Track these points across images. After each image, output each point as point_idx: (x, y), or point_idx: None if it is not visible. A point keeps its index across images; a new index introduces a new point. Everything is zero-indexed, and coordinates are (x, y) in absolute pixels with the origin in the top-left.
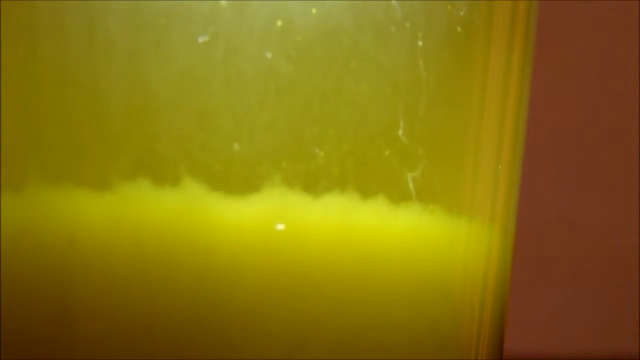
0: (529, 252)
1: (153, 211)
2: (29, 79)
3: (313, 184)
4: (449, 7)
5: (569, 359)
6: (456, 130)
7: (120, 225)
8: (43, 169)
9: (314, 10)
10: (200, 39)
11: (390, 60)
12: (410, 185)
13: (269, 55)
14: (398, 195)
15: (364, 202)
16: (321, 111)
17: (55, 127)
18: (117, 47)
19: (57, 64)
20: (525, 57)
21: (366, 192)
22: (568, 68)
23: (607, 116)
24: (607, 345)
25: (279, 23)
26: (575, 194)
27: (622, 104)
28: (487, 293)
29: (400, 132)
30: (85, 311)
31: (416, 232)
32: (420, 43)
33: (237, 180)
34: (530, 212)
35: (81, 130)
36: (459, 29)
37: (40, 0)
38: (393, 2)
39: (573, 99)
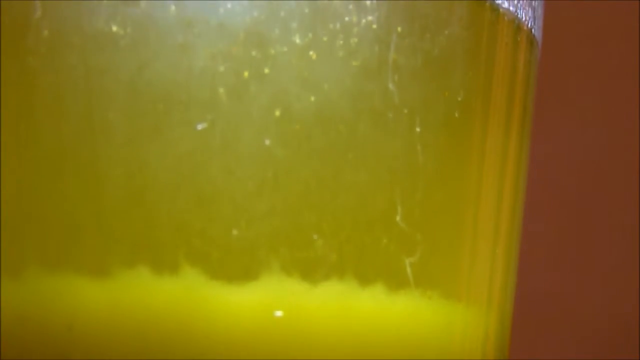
0: (526, 330)
1: (152, 298)
2: (27, 165)
3: (311, 271)
4: (446, 93)
5: None
6: (454, 215)
7: (119, 312)
8: (42, 255)
9: (312, 98)
10: (199, 126)
11: (388, 146)
12: (408, 270)
13: (267, 142)
14: (396, 282)
15: (362, 289)
16: (319, 198)
17: (54, 214)
18: (116, 133)
19: (56, 150)
20: (523, 138)
21: (364, 279)
22: (565, 144)
23: (605, 189)
24: None
25: (278, 110)
26: (574, 271)
27: (620, 180)
28: None
29: (398, 218)
30: None
31: (414, 318)
32: (418, 129)
33: (236, 267)
34: (528, 289)
35: (80, 217)
36: (456, 114)
37: (39, 85)
38: (391, 87)
39: (570, 173)
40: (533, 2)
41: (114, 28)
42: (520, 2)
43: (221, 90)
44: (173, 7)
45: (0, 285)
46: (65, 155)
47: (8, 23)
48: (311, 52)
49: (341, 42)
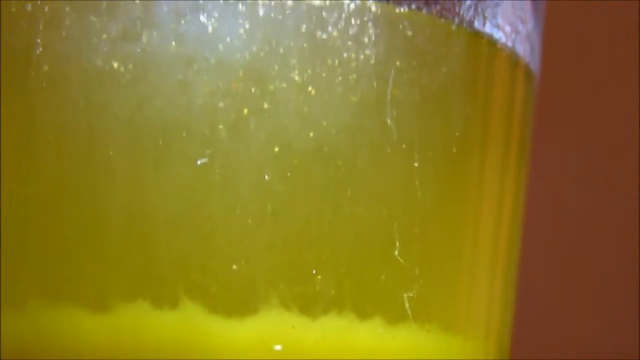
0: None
1: (152, 332)
2: (28, 199)
3: (310, 305)
4: (444, 128)
5: None
6: (452, 249)
7: (119, 345)
8: (43, 289)
9: (311, 134)
10: (199, 162)
11: (387, 181)
12: (407, 305)
13: (266, 177)
14: (394, 316)
15: (361, 323)
16: (318, 233)
17: (55, 248)
18: (116, 169)
19: (56, 185)
20: (520, 172)
21: (363, 313)
22: (561, 178)
23: (603, 217)
24: None
25: (277, 146)
26: (574, 303)
27: (619, 209)
28: None
29: (396, 253)
30: None
31: (413, 351)
32: (416, 164)
33: (235, 302)
34: (527, 319)
35: (81, 251)
36: (454, 149)
37: (40, 120)
38: (389, 123)
39: (569, 206)
40: (530, 35)
41: (115, 65)
42: (518, 35)
43: (220, 126)
44: (174, 44)
45: (1, 318)
46: (65, 189)
47: (8, 60)
48: (310, 88)
49: (340, 77)
